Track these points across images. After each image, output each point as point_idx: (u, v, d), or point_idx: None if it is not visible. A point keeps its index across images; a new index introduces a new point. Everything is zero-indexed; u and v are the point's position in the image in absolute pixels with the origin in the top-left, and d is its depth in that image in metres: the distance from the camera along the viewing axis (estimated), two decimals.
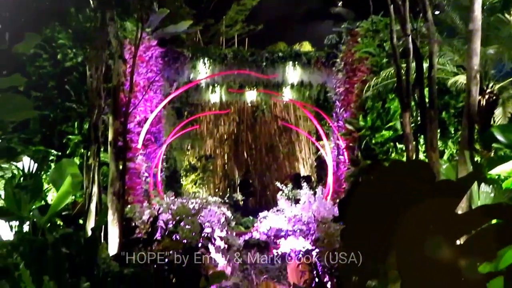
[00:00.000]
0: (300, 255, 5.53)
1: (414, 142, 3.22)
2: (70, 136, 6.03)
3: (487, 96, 5.74)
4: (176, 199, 4.83)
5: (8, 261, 2.27)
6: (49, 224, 3.52)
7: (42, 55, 6.32)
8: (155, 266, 3.27)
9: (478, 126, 5.29)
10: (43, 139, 5.96)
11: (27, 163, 3.98)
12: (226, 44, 13.07)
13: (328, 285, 4.57)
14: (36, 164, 4.03)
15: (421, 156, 5.05)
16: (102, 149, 3.72)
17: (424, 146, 3.71)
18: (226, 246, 5.82)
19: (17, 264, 2.20)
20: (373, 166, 1.42)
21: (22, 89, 5.65)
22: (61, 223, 3.93)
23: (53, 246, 2.31)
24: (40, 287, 2.04)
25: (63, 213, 4.04)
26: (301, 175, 12.97)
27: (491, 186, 2.60)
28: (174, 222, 3.93)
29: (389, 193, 1.26)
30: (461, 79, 6.05)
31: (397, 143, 6.77)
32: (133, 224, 3.90)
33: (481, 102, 5.64)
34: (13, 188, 3.43)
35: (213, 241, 5.13)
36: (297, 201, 6.94)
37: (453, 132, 6.71)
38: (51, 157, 5.63)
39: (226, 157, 14.26)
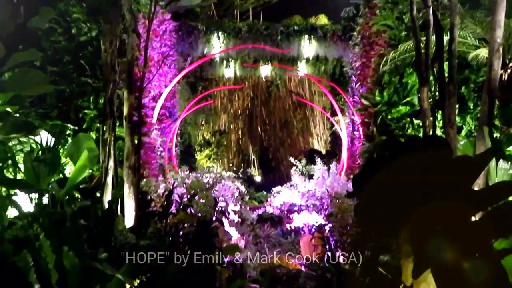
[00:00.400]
0: (313, 230, 5.58)
1: (431, 118, 3.16)
2: (86, 111, 6.10)
3: (509, 70, 5.56)
4: (190, 174, 4.89)
5: (29, 231, 2.34)
6: (67, 197, 3.61)
7: (57, 30, 6.34)
8: (170, 238, 3.34)
9: (498, 102, 5.15)
10: (59, 114, 6.05)
11: (44, 137, 4.05)
12: (240, 18, 12.87)
13: (341, 259, 4.62)
14: (53, 138, 4.09)
15: (439, 132, 4.96)
16: (117, 124, 3.75)
17: (441, 122, 3.64)
18: (239, 220, 5.90)
19: (37, 234, 2.28)
20: (388, 142, 1.40)
21: (38, 64, 5.71)
22: (79, 196, 4.02)
23: (72, 218, 2.37)
24: (60, 257, 2.11)
25: (81, 186, 4.13)
26: (316, 151, 12.96)
27: (509, 162, 2.55)
28: (188, 196, 3.98)
29: (405, 169, 1.25)
30: (483, 52, 5.86)
31: (413, 119, 6.66)
32: (149, 197, 3.97)
33: (503, 77, 5.47)
34: (32, 161, 3.50)
35: (227, 215, 5.21)
36: (310, 176, 6.95)
37: (472, 107, 6.56)
38: (68, 132, 5.73)
39: (240, 132, 14.29)
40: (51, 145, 3.99)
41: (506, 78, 5.54)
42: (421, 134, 3.90)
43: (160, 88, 7.44)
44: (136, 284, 2.08)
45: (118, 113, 3.83)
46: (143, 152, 6.64)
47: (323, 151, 12.88)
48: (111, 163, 3.57)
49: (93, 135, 5.70)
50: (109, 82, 3.69)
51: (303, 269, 4.75)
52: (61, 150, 4.83)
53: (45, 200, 3.52)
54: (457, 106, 3.26)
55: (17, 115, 4.08)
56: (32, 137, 4.11)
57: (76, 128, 5.84)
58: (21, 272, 2.06)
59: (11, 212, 3.43)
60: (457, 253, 1.10)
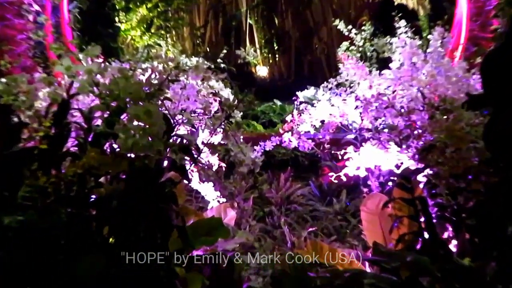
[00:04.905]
0: (390, 183, 5.69)
1: None
2: None
3: None
4: (107, 63, 4.84)
5: None
6: None
7: None
8: (70, 208, 3.42)
9: None
10: None
11: None
12: None
13: (452, 246, 4.76)
14: None
15: None
16: None
17: None
18: (222, 165, 6.01)
19: None
20: None
21: None
22: None
23: None
24: None
25: None
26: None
27: None
28: (107, 114, 4.01)
29: None
30: None
31: None
32: (15, 117, 4.01)
33: None
34: None
35: (196, 155, 5.28)
36: (383, 61, 6.95)
37: None
38: None
39: None
40: None
41: None
42: None
43: None
44: None
45: None
46: None
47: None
48: None
49: None
50: None
51: (367, 268, 4.92)
52: None
53: None
54: None
55: None
56: None
57: None
58: None
59: None
60: None
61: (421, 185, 5.03)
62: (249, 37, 13.91)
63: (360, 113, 6.16)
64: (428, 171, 4.93)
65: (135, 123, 3.75)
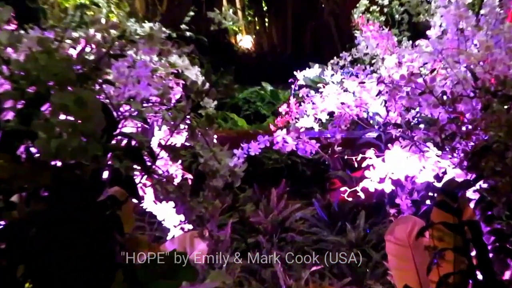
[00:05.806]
0: (427, 202, 5.66)
1: None
2: None
3: None
4: (22, 32, 4.80)
5: None
6: None
7: None
8: None
9: None
10: None
11: None
12: None
13: None
14: None
15: None
16: None
17: None
18: (189, 177, 5.97)
19: None
20: None
21: None
22: None
23: None
24: None
25: None
26: None
27: None
28: (22, 105, 3.98)
29: None
30: None
31: None
32: None
33: None
34: None
35: (150, 162, 5.25)
36: (417, 28, 6.94)
37: None
38: None
39: None
40: None
41: None
42: None
43: None
44: None
45: None
46: None
47: None
48: None
49: None
50: None
51: None
52: None
53: None
54: None
55: None
56: None
57: None
58: None
59: None
60: None
61: (471, 204, 5.00)
62: None
63: (385, 101, 6.12)
64: (481, 184, 4.90)
65: (62, 117, 3.69)
